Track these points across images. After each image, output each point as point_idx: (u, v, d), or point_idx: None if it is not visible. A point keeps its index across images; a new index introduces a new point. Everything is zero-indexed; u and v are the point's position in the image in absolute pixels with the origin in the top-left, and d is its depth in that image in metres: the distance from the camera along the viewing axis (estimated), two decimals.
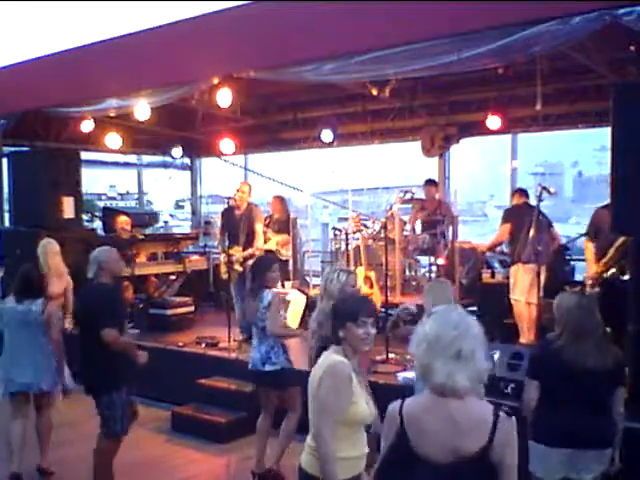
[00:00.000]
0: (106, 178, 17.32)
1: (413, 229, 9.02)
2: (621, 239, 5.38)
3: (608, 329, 4.10)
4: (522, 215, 6.74)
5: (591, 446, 3.61)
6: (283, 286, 8.37)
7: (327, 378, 2.88)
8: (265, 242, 8.35)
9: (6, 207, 9.32)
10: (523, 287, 6.60)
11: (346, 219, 9.01)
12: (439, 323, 2.24)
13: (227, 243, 7.95)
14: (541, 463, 3.62)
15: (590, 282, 5.74)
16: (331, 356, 2.97)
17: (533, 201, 6.91)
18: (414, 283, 8.97)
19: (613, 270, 5.54)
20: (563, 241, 8.02)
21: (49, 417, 5.30)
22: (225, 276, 7.89)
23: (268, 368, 4.94)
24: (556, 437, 3.60)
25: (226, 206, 8.14)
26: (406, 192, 8.99)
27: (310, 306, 8.30)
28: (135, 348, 4.69)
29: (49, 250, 7.49)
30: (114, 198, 22.21)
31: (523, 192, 7.27)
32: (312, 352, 4.28)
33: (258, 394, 5.19)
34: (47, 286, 5.34)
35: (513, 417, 2.20)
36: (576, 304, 3.75)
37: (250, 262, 7.37)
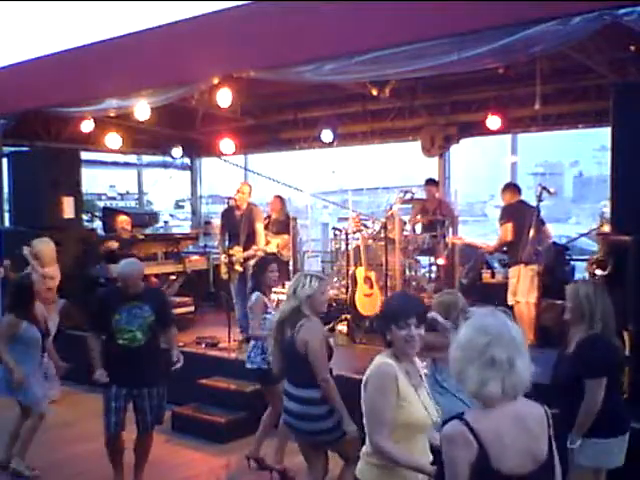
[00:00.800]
0: (106, 178, 17.32)
1: (413, 229, 9.02)
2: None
3: None
4: (522, 214, 6.69)
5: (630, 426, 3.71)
6: (283, 286, 8.37)
7: (372, 380, 2.85)
8: (265, 245, 8.35)
9: (6, 207, 9.32)
10: (524, 288, 6.58)
11: (346, 219, 9.00)
12: (471, 328, 2.17)
13: (227, 243, 7.95)
14: (605, 456, 3.65)
15: None
16: (378, 359, 2.93)
17: (531, 200, 6.88)
18: (414, 283, 8.96)
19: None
20: (563, 241, 8.02)
21: (28, 424, 5.25)
22: (225, 276, 7.89)
23: (248, 366, 5.24)
24: (618, 426, 3.65)
25: (226, 206, 8.14)
26: (406, 192, 8.98)
27: None
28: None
29: (51, 248, 7.49)
30: (114, 198, 22.20)
31: (516, 188, 7.07)
32: (272, 353, 4.29)
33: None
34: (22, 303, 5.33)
35: None
36: (595, 291, 3.75)
37: (251, 262, 7.39)
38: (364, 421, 2.89)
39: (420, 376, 3.00)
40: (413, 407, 2.82)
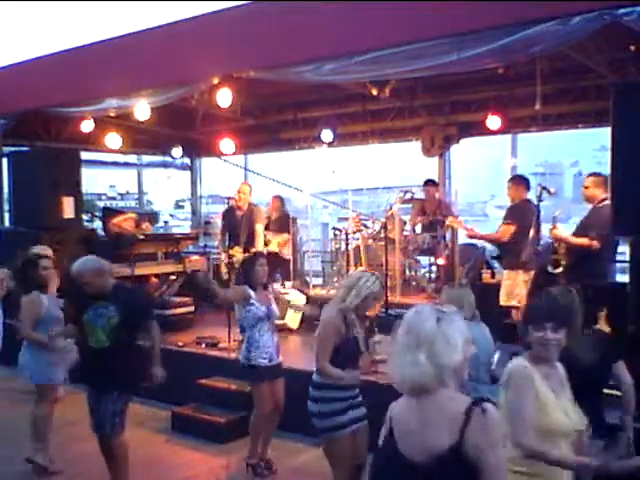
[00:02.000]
0: (106, 178, 17.33)
1: (413, 229, 9.02)
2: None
3: None
4: (526, 217, 6.60)
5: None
6: (283, 286, 8.38)
7: (509, 382, 2.81)
8: (266, 244, 8.36)
9: (6, 207, 9.33)
10: (522, 292, 6.52)
11: (346, 219, 9.01)
12: (403, 324, 2.22)
13: (228, 243, 7.96)
14: None
15: None
16: (515, 361, 2.88)
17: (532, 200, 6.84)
18: (414, 283, 8.97)
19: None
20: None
21: (36, 412, 5.26)
22: (225, 276, 7.89)
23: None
24: None
25: (227, 206, 8.16)
26: (406, 192, 8.99)
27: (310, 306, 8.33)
28: None
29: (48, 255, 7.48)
30: (114, 198, 22.24)
31: (524, 182, 6.81)
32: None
33: None
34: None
35: (493, 411, 2.08)
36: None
37: None
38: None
39: (561, 381, 2.92)
40: (553, 412, 2.76)
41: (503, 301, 6.61)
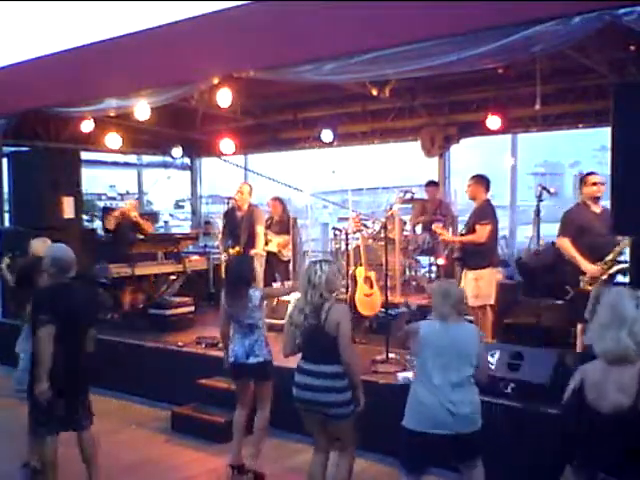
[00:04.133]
0: (106, 178, 17.31)
1: (413, 229, 9.03)
2: (625, 241, 5.30)
3: None
4: (495, 215, 6.58)
5: None
6: (283, 286, 8.38)
7: None
8: (266, 244, 8.36)
9: (6, 207, 9.33)
10: (490, 291, 6.37)
11: (346, 219, 9.01)
12: (604, 303, 2.89)
13: (230, 243, 7.98)
14: None
15: (587, 280, 5.50)
16: None
17: (531, 200, 6.83)
18: (414, 283, 8.97)
19: (616, 268, 5.47)
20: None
21: None
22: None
23: (252, 360, 4.97)
24: None
25: (228, 207, 8.17)
26: (406, 192, 8.99)
27: None
28: None
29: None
30: (114, 198, 22.21)
31: (486, 184, 6.70)
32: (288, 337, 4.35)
33: (236, 388, 5.21)
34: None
35: None
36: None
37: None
38: None
39: None
40: None
41: (472, 302, 6.11)
